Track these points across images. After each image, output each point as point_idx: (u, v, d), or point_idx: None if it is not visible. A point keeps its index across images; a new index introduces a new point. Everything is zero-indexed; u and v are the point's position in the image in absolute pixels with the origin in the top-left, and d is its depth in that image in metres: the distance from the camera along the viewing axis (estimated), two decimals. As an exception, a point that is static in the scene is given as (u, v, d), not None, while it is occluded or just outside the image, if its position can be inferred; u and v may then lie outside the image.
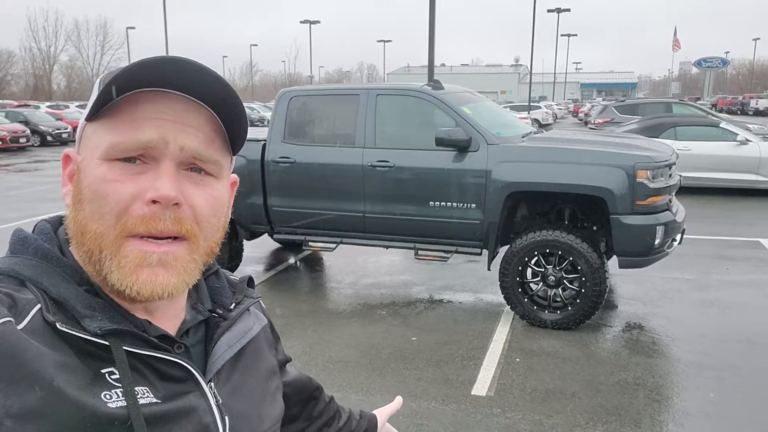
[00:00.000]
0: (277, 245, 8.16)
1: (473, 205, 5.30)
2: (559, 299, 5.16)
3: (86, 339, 0.68)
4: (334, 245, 6.02)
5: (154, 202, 0.70)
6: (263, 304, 0.98)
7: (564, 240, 4.97)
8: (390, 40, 72.82)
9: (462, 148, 5.27)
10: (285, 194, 5.98)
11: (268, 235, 7.15)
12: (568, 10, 51.48)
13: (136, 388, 0.68)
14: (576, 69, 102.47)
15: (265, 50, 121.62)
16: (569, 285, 5.11)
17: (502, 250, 5.46)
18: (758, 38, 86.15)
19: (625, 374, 4.33)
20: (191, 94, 0.73)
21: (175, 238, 0.72)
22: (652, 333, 5.10)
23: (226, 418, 0.77)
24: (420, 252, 5.67)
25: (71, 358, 0.66)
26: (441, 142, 5.21)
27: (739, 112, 47.48)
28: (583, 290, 4.97)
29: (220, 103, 0.74)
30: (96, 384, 0.66)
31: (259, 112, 38.75)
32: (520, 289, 5.20)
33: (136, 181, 0.70)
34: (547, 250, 5.06)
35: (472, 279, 6.65)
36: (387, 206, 5.63)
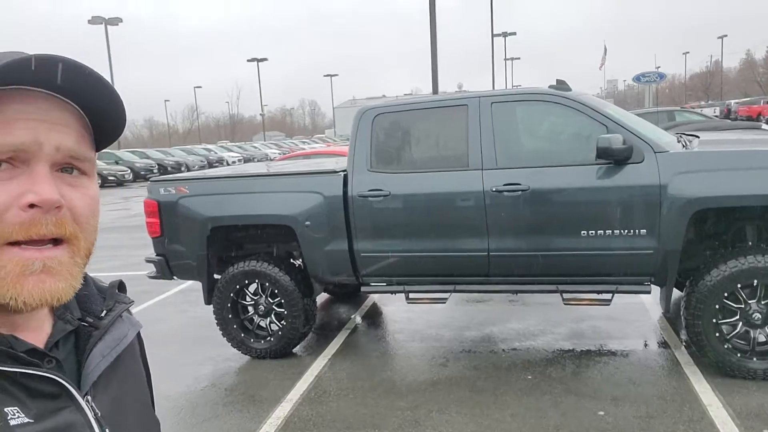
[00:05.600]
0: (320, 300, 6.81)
1: (642, 231, 4.16)
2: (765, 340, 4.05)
3: None
4: (446, 295, 4.76)
5: (31, 206, 0.64)
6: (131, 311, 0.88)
7: (781, 266, 3.87)
8: (336, 74, 72.18)
9: (622, 159, 4.15)
10: (378, 235, 4.70)
11: (335, 286, 5.85)
12: (515, 33, 52.16)
13: (5, 409, 0.63)
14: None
15: (207, 92, 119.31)
16: (780, 323, 4.02)
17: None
18: (687, 52, 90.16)
19: None
20: (55, 91, 0.67)
21: (56, 241, 0.66)
22: None
23: (107, 431, 0.71)
24: (567, 296, 4.47)
25: None
26: (604, 153, 4.07)
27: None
28: (808, 328, 3.88)
29: (87, 99, 0.69)
30: None
31: (216, 153, 37.17)
32: (717, 333, 4.06)
33: (5, 187, 0.63)
34: (755, 282, 3.96)
35: (598, 322, 5.48)
36: (520, 241, 4.42)
